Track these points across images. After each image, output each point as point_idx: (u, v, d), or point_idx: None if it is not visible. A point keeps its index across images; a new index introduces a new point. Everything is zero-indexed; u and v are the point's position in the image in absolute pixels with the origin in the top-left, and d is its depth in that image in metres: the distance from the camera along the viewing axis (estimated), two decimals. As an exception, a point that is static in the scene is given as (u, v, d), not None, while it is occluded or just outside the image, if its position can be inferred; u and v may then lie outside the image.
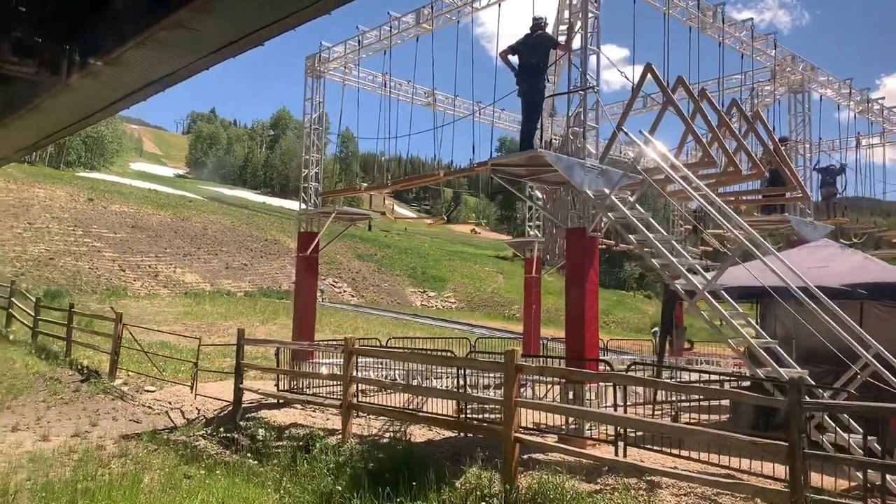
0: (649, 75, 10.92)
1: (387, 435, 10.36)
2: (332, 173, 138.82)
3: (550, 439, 9.32)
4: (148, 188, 66.65)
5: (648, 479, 7.62)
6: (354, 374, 10.62)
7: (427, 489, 7.87)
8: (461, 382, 11.13)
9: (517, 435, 8.08)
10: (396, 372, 12.91)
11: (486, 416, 10.59)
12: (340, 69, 14.20)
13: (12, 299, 21.39)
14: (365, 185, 13.71)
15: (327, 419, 11.59)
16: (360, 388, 11.52)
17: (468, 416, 10.19)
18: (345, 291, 51.80)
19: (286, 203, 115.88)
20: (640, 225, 8.60)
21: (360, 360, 13.19)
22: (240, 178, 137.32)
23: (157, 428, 12.52)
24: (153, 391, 15.15)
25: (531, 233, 17.64)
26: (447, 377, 12.61)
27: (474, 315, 48.65)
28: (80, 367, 16.58)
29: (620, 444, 8.39)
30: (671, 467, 7.64)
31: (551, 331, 25.63)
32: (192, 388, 14.37)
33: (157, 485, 9.18)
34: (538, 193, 17.88)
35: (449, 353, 11.49)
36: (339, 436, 10.27)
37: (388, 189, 12.94)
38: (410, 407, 11.70)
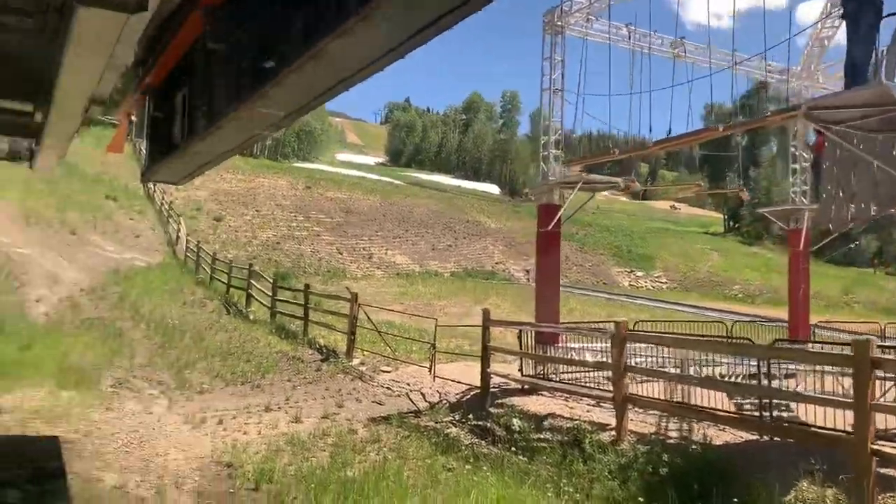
0: None
1: (671, 434, 8.88)
2: (524, 155, 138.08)
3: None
4: (357, 175, 69.85)
5: None
6: (626, 362, 9.24)
7: (756, 508, 6.34)
8: (744, 373, 9.38)
9: (875, 447, 6.27)
10: (664, 359, 11.32)
11: (774, 413, 8.77)
12: (581, 22, 12.75)
13: (251, 281, 22.47)
14: (616, 150, 12.22)
15: (587, 411, 10.34)
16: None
17: (772, 414, 8.43)
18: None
19: (479, 186, 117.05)
20: None
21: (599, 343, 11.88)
22: (434, 163, 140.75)
23: (402, 411, 12.02)
24: (389, 371, 14.84)
25: (798, 200, 15.11)
26: (724, 366, 10.89)
27: (690, 295, 45.32)
28: (318, 346, 16.79)
29: None
30: None
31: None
32: (429, 369, 13.80)
33: (419, 477, 8.46)
34: (804, 153, 15.31)
35: (745, 341, 9.74)
36: (612, 432, 8.98)
37: (647, 152, 11.39)
38: (675, 399, 10.13)
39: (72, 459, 8.70)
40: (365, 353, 16.04)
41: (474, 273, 46.50)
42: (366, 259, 42.95)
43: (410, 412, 11.98)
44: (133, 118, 6.99)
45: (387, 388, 13.62)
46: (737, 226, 73.33)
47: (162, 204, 36.77)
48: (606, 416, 9.58)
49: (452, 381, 13.22)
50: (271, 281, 21.02)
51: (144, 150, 7.20)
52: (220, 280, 26.07)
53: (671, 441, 8.54)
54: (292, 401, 12.58)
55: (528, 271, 49.31)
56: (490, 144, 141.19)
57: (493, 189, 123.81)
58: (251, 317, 21.22)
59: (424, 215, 54.11)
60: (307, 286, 18.67)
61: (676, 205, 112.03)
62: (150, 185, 40.28)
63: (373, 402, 12.76)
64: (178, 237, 32.56)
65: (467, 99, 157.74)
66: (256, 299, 21.93)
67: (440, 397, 12.59)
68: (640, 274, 52.73)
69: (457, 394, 12.56)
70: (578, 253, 54.99)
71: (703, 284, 50.41)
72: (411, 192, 62.57)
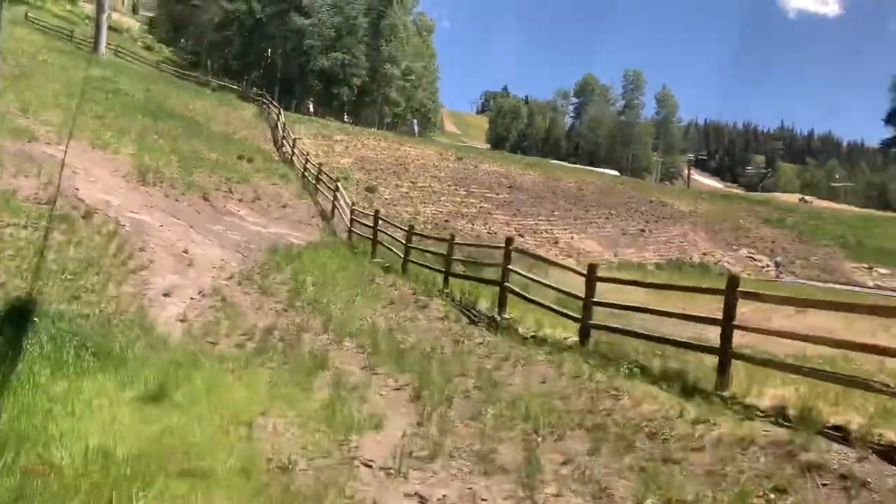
0: None
1: None
2: (648, 138, 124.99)
3: None
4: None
5: None
6: None
7: None
8: None
9: None
10: None
11: None
12: None
13: (508, 268, 13.12)
14: None
15: None
16: None
17: None
18: (767, 266, 39.51)
19: (598, 171, 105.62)
20: None
21: None
22: (541, 149, 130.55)
23: None
24: None
25: None
26: None
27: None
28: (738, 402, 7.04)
29: None
30: None
31: None
32: None
33: None
34: None
35: None
36: None
37: None
38: None
39: None
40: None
41: (682, 265, 36.03)
42: (552, 244, 33.30)
43: None
44: None
45: None
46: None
47: (305, 170, 28.09)
48: None
49: None
50: (585, 273, 11.32)
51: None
52: (418, 263, 17.08)
53: None
54: None
55: (777, 264, 38.40)
56: (610, 128, 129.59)
57: (614, 175, 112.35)
58: (519, 329, 11.84)
59: (597, 193, 43.87)
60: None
61: (806, 198, 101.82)
62: (287, 147, 31.94)
63: None
64: (333, 208, 23.80)
65: (580, 81, 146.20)
66: (530, 299, 12.53)
67: None
68: (884, 271, 40.62)
69: None
70: (798, 243, 43.41)
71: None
72: (572, 169, 52.33)
